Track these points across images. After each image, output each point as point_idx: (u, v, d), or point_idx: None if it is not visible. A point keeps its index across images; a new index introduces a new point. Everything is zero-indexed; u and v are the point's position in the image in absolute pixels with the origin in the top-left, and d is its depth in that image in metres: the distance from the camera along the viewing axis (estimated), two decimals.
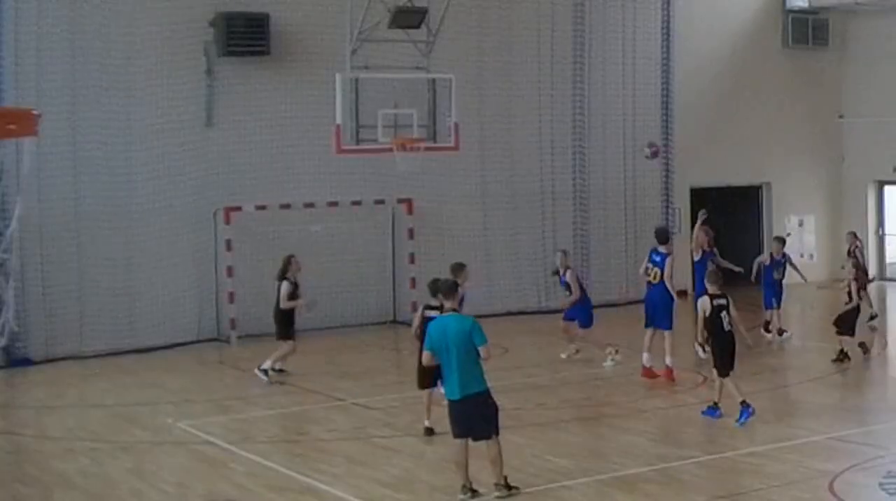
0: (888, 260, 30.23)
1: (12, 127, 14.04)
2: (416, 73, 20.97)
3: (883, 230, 30.04)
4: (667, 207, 27.73)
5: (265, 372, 18.53)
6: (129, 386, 19.11)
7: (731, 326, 15.15)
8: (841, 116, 30.18)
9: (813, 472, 12.58)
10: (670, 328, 18.00)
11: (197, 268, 22.89)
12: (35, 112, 14.70)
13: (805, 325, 24.13)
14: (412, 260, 24.16)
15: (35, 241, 21.18)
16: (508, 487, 12.06)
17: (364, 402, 17.01)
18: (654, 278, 18.03)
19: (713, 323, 15.15)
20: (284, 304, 18.60)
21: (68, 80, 21.64)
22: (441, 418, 13.39)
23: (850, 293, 18.91)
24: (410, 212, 24.46)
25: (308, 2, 23.44)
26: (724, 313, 15.11)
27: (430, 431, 14.66)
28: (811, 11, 29.38)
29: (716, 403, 15.30)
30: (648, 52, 27.31)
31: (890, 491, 11.97)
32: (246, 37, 22.66)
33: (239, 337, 22.71)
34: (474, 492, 11.98)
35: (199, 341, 22.64)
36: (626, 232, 27.11)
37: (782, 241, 22.20)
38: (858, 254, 22.32)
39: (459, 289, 12.62)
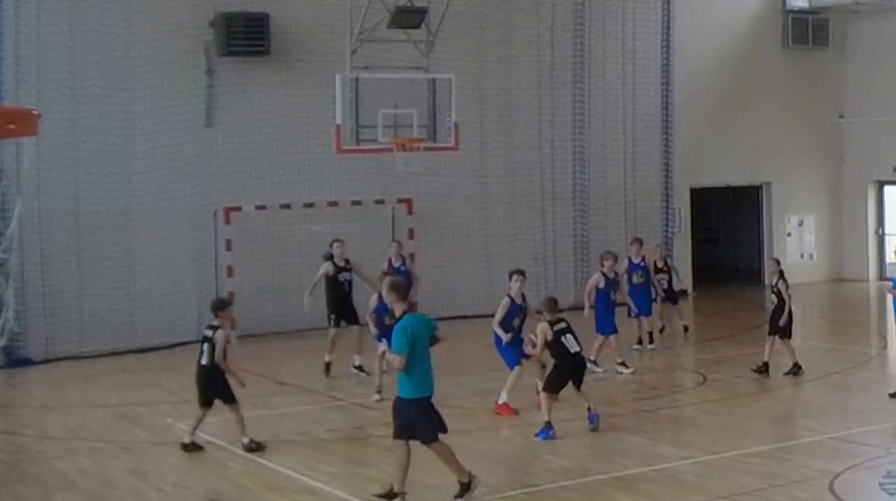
0: (888, 260, 30.18)
1: (12, 127, 14.03)
2: (416, 73, 20.97)
3: (883, 230, 30.01)
4: (667, 207, 27.72)
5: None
6: (129, 386, 19.10)
7: (580, 347, 14.64)
8: (841, 116, 30.16)
9: (813, 472, 12.57)
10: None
11: (197, 268, 22.89)
12: (35, 112, 14.70)
13: (805, 325, 24.08)
14: (413, 260, 24.13)
15: (35, 241, 21.19)
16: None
17: (364, 402, 17.00)
18: None
19: (558, 347, 14.53)
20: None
21: (68, 80, 21.65)
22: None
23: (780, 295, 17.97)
24: (410, 212, 24.46)
25: (308, 2, 23.45)
26: (567, 336, 14.51)
27: (195, 446, 14.39)
28: (811, 11, 29.37)
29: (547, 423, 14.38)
30: (648, 52, 27.31)
31: (890, 491, 11.96)
32: (246, 37, 22.67)
33: (239, 337, 22.69)
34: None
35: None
36: (626, 232, 27.04)
37: (640, 243, 20.76)
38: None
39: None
